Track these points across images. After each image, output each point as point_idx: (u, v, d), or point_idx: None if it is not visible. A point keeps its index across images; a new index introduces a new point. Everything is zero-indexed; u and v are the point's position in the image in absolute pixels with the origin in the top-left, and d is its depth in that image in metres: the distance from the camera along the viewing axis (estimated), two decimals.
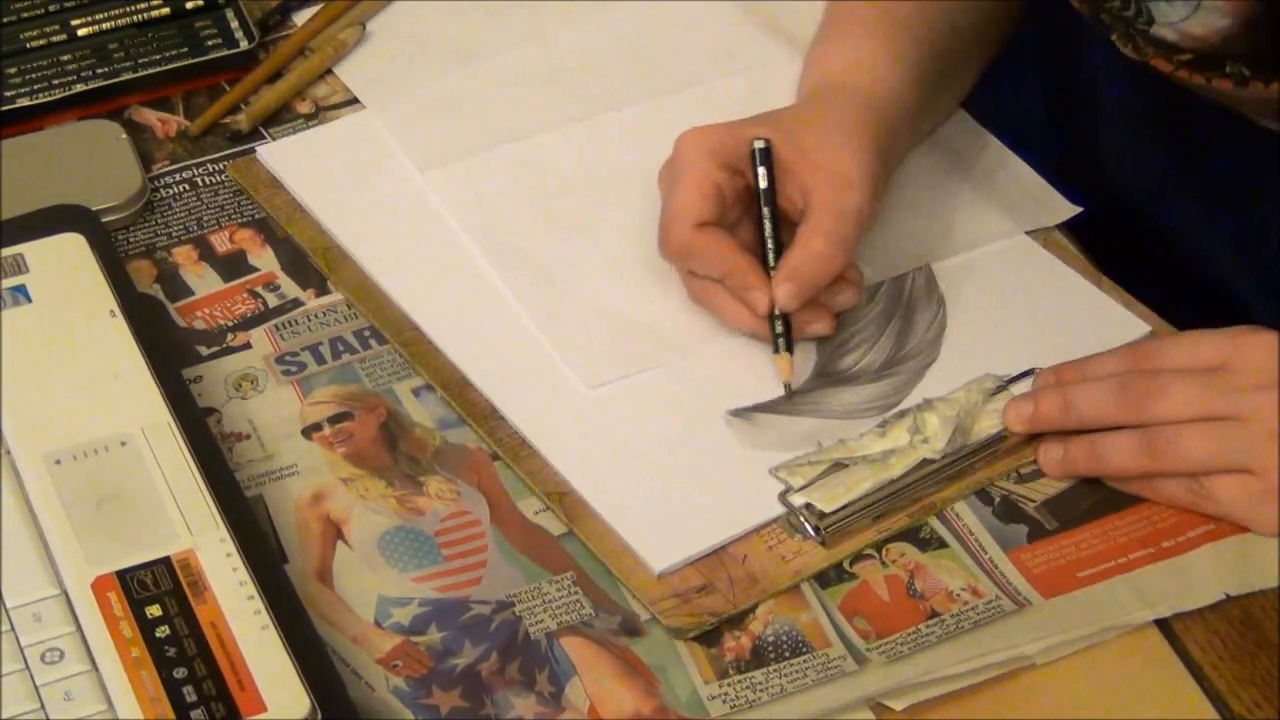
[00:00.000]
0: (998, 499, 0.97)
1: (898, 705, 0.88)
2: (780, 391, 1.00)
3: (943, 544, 0.95)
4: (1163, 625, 0.91)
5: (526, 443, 0.98)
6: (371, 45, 1.21)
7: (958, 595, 0.92)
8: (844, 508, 0.95)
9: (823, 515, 0.94)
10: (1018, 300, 1.06)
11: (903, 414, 0.98)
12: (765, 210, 1.01)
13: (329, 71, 1.19)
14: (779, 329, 1.00)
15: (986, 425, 0.98)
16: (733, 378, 1.01)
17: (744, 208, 1.02)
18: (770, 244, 1.01)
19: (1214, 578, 0.92)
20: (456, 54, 1.20)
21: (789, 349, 1.00)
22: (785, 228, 1.02)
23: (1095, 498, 0.96)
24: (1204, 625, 0.91)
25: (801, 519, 0.94)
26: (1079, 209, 1.10)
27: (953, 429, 0.96)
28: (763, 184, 1.01)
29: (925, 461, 0.96)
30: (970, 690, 0.89)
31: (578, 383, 1.01)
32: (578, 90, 1.17)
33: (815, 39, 1.10)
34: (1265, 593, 0.92)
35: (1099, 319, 1.04)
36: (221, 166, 1.14)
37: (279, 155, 1.13)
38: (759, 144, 1.01)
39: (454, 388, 1.01)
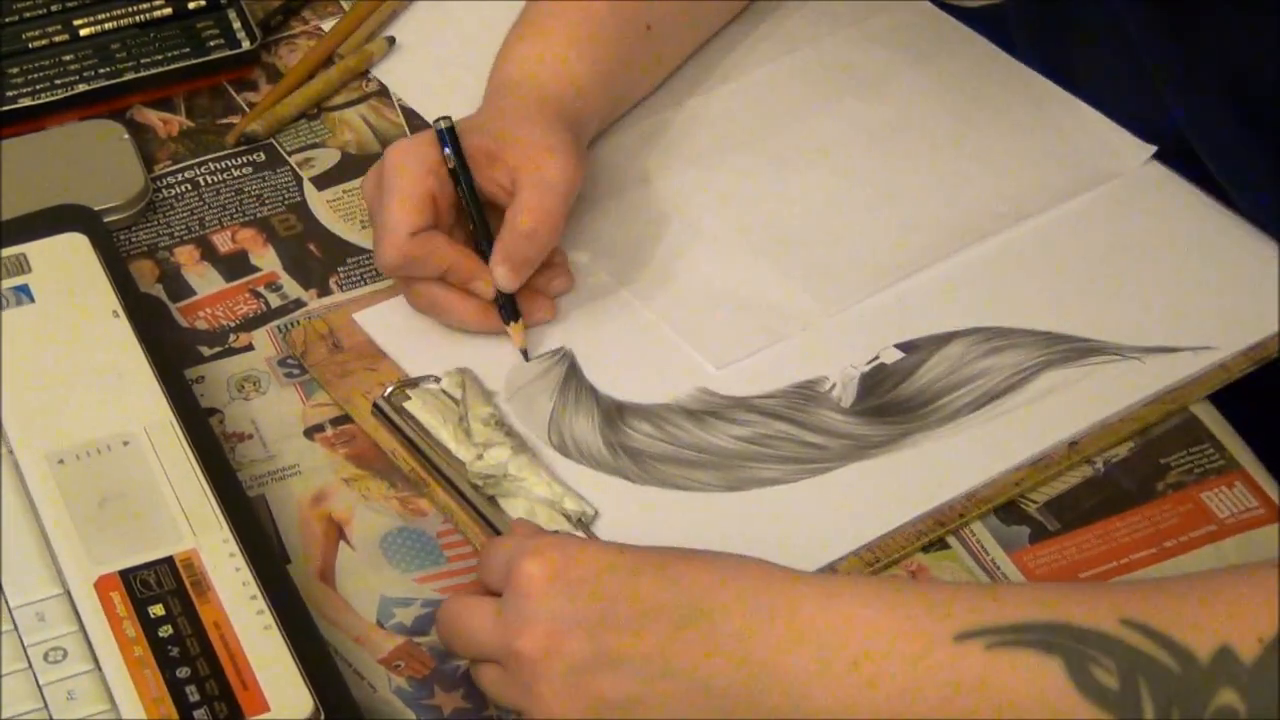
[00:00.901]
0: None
1: None
2: None
3: (944, 545, 0.95)
4: None
5: None
6: (401, 50, 1.21)
7: None
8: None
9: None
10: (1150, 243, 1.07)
11: (523, 447, 0.97)
12: (463, 189, 1.01)
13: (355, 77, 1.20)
14: (502, 300, 1.01)
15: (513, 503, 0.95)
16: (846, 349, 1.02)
17: (458, 213, 1.03)
18: (476, 221, 1.02)
19: None
20: (492, 54, 1.20)
21: (516, 317, 1.01)
22: (501, 216, 1.02)
23: (1097, 499, 0.96)
24: None
25: None
26: (1154, 148, 1.11)
27: (495, 476, 0.95)
28: (451, 164, 1.01)
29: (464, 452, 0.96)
30: None
31: (705, 364, 1.01)
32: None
33: (507, 39, 1.11)
34: None
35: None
36: (224, 165, 1.14)
37: (376, 319, 1.05)
38: (441, 124, 1.01)
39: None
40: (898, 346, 1.02)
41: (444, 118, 1.01)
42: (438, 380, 1.00)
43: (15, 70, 1.16)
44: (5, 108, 1.14)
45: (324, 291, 1.07)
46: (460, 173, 1.01)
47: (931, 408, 0.99)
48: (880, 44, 1.19)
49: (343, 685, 0.86)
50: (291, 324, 1.05)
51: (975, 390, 1.00)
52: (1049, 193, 1.10)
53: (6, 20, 1.18)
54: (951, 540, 0.95)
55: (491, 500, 0.95)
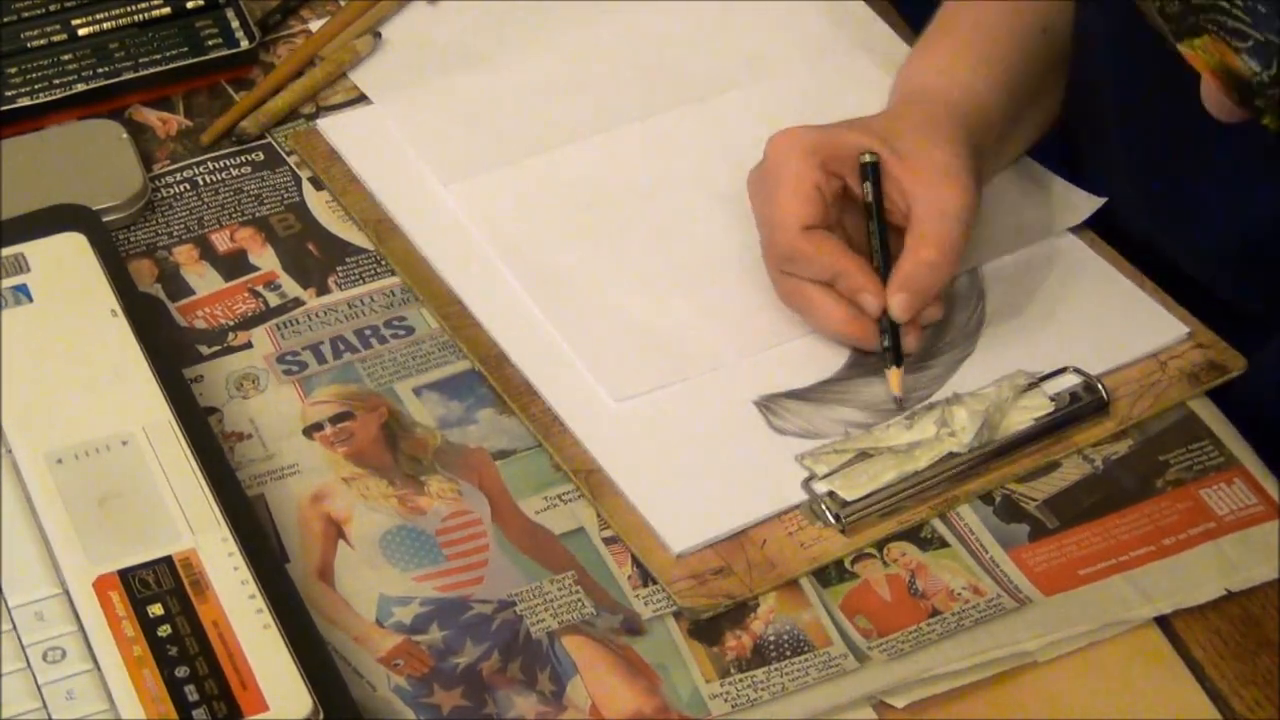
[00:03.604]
0: (999, 498, 0.97)
1: (899, 703, 0.88)
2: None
3: (944, 544, 0.95)
4: (1164, 624, 0.91)
5: (559, 420, 0.99)
6: (386, 50, 1.21)
7: (959, 594, 0.92)
8: (866, 497, 0.95)
9: (844, 504, 0.94)
10: (1058, 299, 1.05)
11: (931, 406, 0.99)
12: (873, 225, 1.01)
13: (342, 75, 1.19)
14: (888, 342, 0.99)
15: (1016, 421, 0.98)
16: (761, 386, 1.01)
17: (840, 210, 1.02)
18: (878, 258, 1.00)
19: (1215, 574, 0.92)
20: (473, 60, 1.19)
21: (898, 362, 0.99)
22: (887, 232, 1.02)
23: (1096, 496, 0.96)
24: (1205, 624, 0.91)
25: (823, 507, 0.94)
26: (1103, 200, 1.09)
27: (981, 423, 0.97)
28: (869, 199, 1.01)
29: (951, 455, 0.96)
30: (971, 688, 0.89)
31: (605, 396, 1.00)
32: (599, 99, 1.17)
33: (912, 50, 1.10)
34: (1266, 591, 0.92)
35: (1138, 320, 1.04)
36: (223, 164, 1.14)
37: (339, 127, 1.15)
38: (868, 158, 1.00)
39: (491, 363, 1.02)
40: None
41: (871, 153, 1.00)
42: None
43: (14, 70, 1.16)
44: (4, 107, 1.14)
45: (323, 291, 1.07)
46: (875, 209, 1.00)
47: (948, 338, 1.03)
48: (846, 84, 1.17)
49: (341, 684, 0.86)
50: (289, 323, 1.04)
51: (970, 316, 1.04)
52: (996, 242, 1.08)
53: (5, 20, 1.18)
54: (951, 539, 0.95)
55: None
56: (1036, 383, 1.00)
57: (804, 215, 0.99)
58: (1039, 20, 1.08)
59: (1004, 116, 1.07)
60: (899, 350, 0.99)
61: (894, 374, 0.99)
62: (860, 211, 1.02)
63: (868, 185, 1.01)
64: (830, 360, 1.02)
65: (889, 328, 0.99)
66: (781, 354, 1.03)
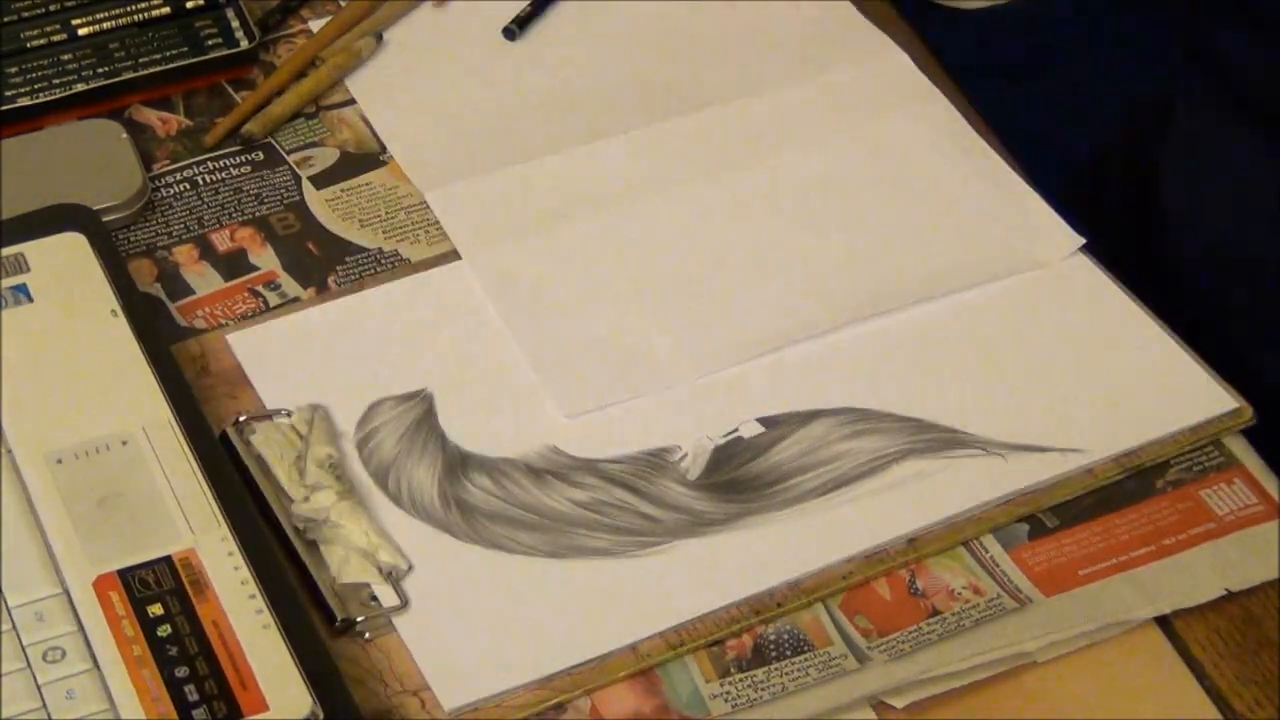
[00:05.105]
0: None
1: (899, 703, 0.88)
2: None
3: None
4: (1164, 624, 0.91)
5: None
6: (383, 54, 1.21)
7: (959, 594, 0.92)
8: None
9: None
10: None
11: (349, 494, 0.94)
12: None
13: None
14: None
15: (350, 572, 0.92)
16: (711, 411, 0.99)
17: None
18: None
19: (1215, 574, 0.92)
20: (466, 69, 1.20)
21: None
22: None
23: (1096, 496, 0.96)
24: (1205, 624, 0.91)
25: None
26: (1082, 240, 1.06)
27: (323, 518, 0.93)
28: None
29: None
30: (971, 688, 0.89)
31: (555, 412, 0.99)
32: (588, 109, 1.16)
33: None
34: (1266, 591, 0.92)
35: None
36: (222, 164, 1.14)
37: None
38: None
39: None
40: (759, 420, 0.99)
41: None
42: (289, 415, 0.98)
43: (14, 70, 1.16)
44: (4, 107, 1.14)
45: (323, 290, 1.07)
46: None
47: (778, 488, 0.96)
48: (837, 97, 1.16)
49: (341, 684, 0.86)
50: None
51: (827, 474, 0.96)
52: (959, 275, 1.05)
53: (5, 20, 1.17)
54: None
55: (312, 545, 0.93)
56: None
57: None
58: None
59: None
60: None
61: None
62: None
63: None
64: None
65: None
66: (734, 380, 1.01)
